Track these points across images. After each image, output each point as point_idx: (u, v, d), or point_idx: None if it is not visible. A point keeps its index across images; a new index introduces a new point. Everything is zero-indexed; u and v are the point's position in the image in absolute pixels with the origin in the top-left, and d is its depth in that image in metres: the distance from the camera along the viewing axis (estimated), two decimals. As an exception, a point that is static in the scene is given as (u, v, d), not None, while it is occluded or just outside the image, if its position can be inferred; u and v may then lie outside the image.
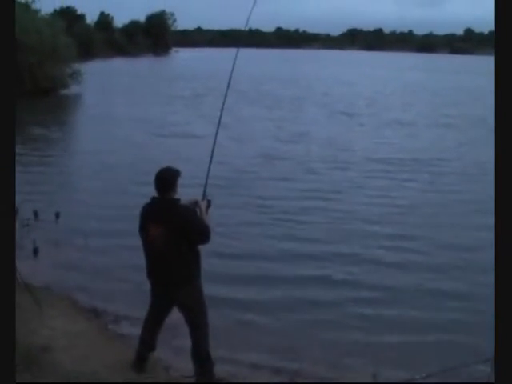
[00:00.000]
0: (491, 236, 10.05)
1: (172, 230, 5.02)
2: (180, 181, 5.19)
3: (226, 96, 6.23)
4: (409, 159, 17.78)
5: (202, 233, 5.15)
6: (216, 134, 5.99)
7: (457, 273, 9.02)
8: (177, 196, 5.19)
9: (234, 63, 6.35)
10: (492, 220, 11.11)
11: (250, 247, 10.03)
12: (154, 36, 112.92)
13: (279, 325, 7.28)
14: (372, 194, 13.68)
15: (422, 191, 14.12)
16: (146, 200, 5.28)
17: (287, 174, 15.54)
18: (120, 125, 23.69)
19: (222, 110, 6.28)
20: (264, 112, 28.54)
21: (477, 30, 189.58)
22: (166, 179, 5.14)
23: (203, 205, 5.45)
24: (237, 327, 7.11)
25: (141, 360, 5.59)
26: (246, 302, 7.78)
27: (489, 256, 8.87)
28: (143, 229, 5.21)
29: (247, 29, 7.54)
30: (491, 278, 7.22)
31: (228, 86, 6.33)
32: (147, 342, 5.58)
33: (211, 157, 5.86)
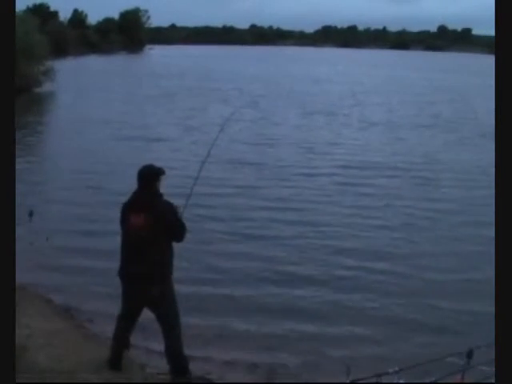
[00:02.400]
0: (471, 250, 9.80)
1: (153, 219, 5.11)
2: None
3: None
4: (389, 163, 17.00)
5: (180, 228, 5.29)
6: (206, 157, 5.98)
7: (435, 300, 8.19)
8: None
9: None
10: (475, 231, 10.86)
11: (202, 268, 9.04)
12: (128, 33, 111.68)
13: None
14: (347, 205, 12.72)
15: (402, 201, 13.12)
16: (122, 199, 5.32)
17: (252, 182, 14.57)
18: (88, 127, 23.04)
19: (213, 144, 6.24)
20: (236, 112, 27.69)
21: (450, 27, 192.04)
22: (149, 174, 5.29)
23: None
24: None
25: (116, 358, 5.62)
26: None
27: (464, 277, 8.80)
28: (124, 221, 5.29)
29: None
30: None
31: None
32: (121, 340, 5.62)
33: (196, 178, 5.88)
